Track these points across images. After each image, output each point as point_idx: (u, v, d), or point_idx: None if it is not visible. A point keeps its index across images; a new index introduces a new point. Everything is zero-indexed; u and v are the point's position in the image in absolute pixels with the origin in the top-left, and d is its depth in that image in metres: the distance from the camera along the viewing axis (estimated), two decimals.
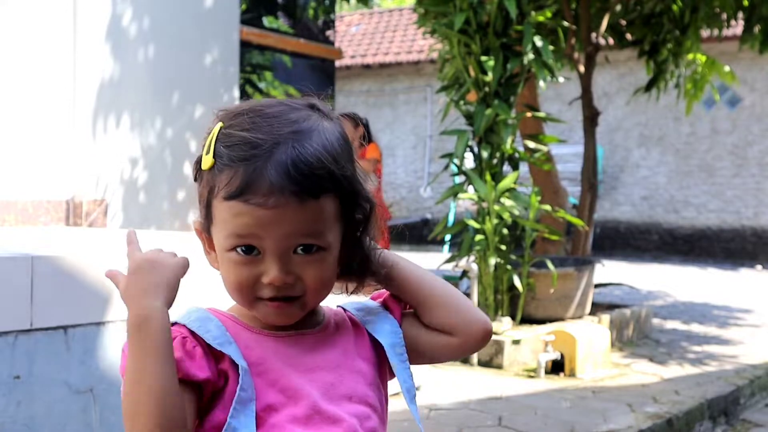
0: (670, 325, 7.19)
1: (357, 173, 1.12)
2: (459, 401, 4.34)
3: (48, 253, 2.66)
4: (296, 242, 1.05)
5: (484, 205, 5.51)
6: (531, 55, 5.62)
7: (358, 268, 1.16)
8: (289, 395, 1.07)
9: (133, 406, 0.99)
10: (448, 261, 5.81)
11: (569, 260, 6.31)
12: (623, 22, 7.94)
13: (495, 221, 5.43)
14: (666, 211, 14.62)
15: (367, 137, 6.29)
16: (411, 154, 16.95)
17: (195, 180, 1.12)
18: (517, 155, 5.83)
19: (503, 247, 5.52)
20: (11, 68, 5.88)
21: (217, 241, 1.09)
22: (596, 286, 6.50)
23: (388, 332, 1.18)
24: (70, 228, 5.91)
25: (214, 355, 1.06)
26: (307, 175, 1.03)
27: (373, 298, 1.25)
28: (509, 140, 5.66)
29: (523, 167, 6.37)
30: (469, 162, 5.97)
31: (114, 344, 2.75)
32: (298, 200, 1.03)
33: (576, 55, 7.35)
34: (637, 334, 6.41)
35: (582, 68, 7.36)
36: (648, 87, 7.95)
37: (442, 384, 4.66)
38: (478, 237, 5.47)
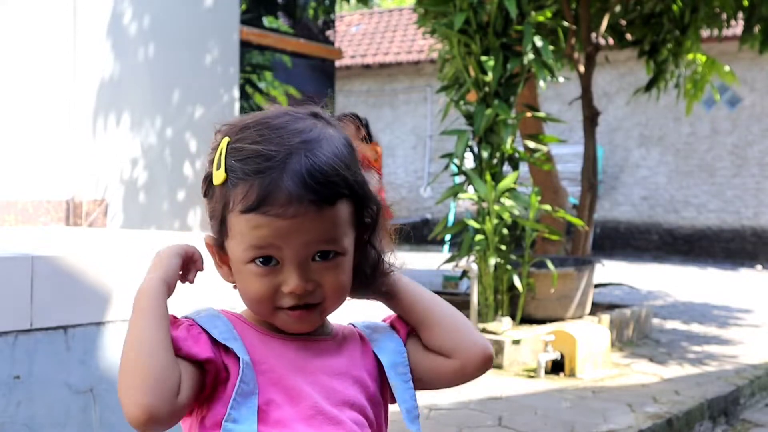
0: (670, 325, 7.19)
1: (365, 177, 1.13)
2: (459, 401, 4.34)
3: (48, 253, 2.66)
4: (315, 249, 1.07)
5: (484, 205, 5.51)
6: (531, 55, 5.62)
7: (371, 273, 1.17)
8: (291, 395, 1.07)
9: (123, 364, 1.02)
10: (448, 261, 5.81)
11: (569, 260, 6.31)
12: (623, 22, 7.94)
13: (495, 221, 5.43)
14: (666, 211, 14.62)
15: (367, 137, 6.29)
16: (411, 154, 16.95)
17: (205, 196, 1.13)
18: (517, 155, 5.83)
19: (503, 247, 5.52)
20: (11, 68, 5.88)
21: (235, 254, 1.10)
22: (596, 286, 6.50)
23: (391, 351, 1.19)
24: (70, 228, 5.91)
25: (218, 348, 1.07)
26: (322, 182, 1.05)
27: (383, 321, 1.25)
28: (509, 140, 5.66)
29: (523, 167, 6.38)
30: (469, 162, 5.97)
31: (114, 344, 2.75)
32: (316, 208, 1.05)
33: (576, 55, 7.35)
34: (637, 334, 6.41)
35: (582, 68, 7.36)
36: (648, 87, 7.96)
37: None
38: (478, 237, 5.47)
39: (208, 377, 1.06)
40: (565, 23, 6.46)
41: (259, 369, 1.07)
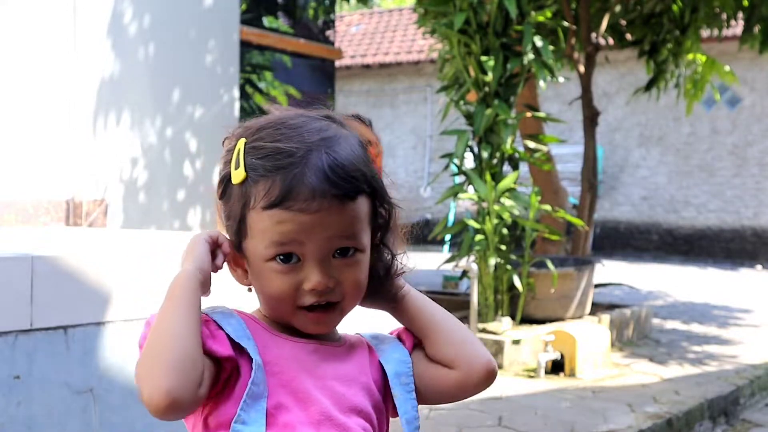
0: (670, 325, 7.19)
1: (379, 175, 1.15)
2: (459, 401, 4.33)
3: (48, 253, 2.65)
4: (336, 245, 1.08)
5: (484, 205, 5.51)
6: (531, 55, 5.62)
7: (384, 274, 1.18)
8: (300, 398, 1.07)
9: (151, 348, 1.01)
10: (448, 261, 5.81)
11: (569, 260, 6.31)
12: (623, 22, 7.94)
13: (495, 221, 5.43)
14: (666, 211, 14.62)
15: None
16: (411, 154, 16.96)
17: (221, 198, 1.13)
18: (517, 155, 5.83)
19: (503, 247, 5.52)
20: (11, 67, 5.88)
21: (255, 252, 1.09)
22: (596, 286, 6.50)
23: (396, 361, 1.19)
24: (70, 228, 5.91)
25: (232, 346, 1.07)
26: (344, 177, 1.06)
27: (390, 333, 1.26)
28: (509, 140, 5.66)
29: (523, 167, 6.38)
30: (469, 162, 5.97)
31: (114, 344, 2.75)
32: (338, 202, 1.06)
33: (576, 55, 7.35)
34: (637, 334, 6.41)
35: (582, 68, 7.36)
36: (648, 87, 7.96)
37: None
38: (478, 237, 5.47)
39: (224, 374, 1.06)
40: (565, 23, 6.46)
41: (270, 370, 1.07)
